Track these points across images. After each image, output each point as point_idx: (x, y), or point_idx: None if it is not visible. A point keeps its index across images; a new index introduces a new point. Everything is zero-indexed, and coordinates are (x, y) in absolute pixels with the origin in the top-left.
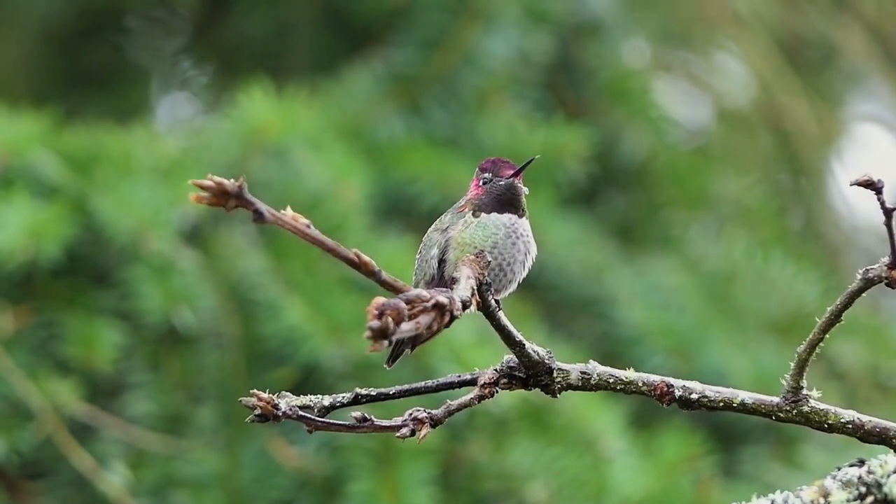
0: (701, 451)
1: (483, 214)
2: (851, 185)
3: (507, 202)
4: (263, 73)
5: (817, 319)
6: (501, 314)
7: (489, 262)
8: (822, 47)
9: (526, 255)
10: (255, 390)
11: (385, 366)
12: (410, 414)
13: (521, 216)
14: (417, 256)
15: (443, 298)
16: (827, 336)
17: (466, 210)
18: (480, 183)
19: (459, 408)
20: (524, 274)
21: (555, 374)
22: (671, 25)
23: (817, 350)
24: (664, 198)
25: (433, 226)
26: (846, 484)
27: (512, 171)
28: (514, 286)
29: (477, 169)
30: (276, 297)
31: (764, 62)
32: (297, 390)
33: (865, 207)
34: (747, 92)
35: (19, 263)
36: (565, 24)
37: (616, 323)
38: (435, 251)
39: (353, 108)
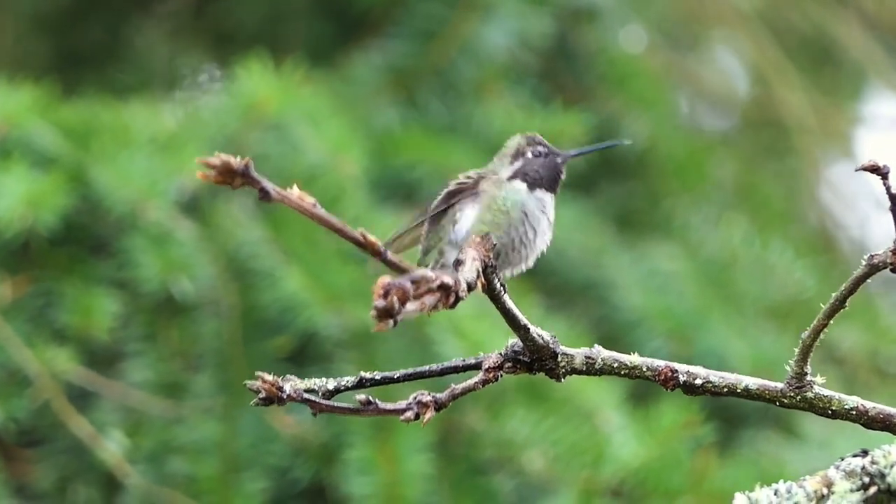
0: (698, 419)
1: (529, 192)
2: (857, 170)
3: (555, 180)
4: (262, 50)
5: (822, 305)
6: (506, 297)
7: (495, 244)
8: (821, 42)
9: (546, 232)
10: (259, 372)
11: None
12: (415, 397)
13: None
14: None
15: (448, 279)
16: (831, 322)
17: (516, 180)
18: (531, 155)
19: (464, 392)
20: (539, 252)
21: (559, 359)
22: (668, 20)
23: (821, 336)
24: (663, 184)
25: (460, 177)
26: (849, 474)
27: (574, 151)
28: (530, 262)
29: (522, 140)
30: (275, 266)
31: (762, 57)
32: (295, 358)
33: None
34: (745, 86)
35: (17, 232)
36: (563, 8)
37: (615, 307)
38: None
39: (350, 98)
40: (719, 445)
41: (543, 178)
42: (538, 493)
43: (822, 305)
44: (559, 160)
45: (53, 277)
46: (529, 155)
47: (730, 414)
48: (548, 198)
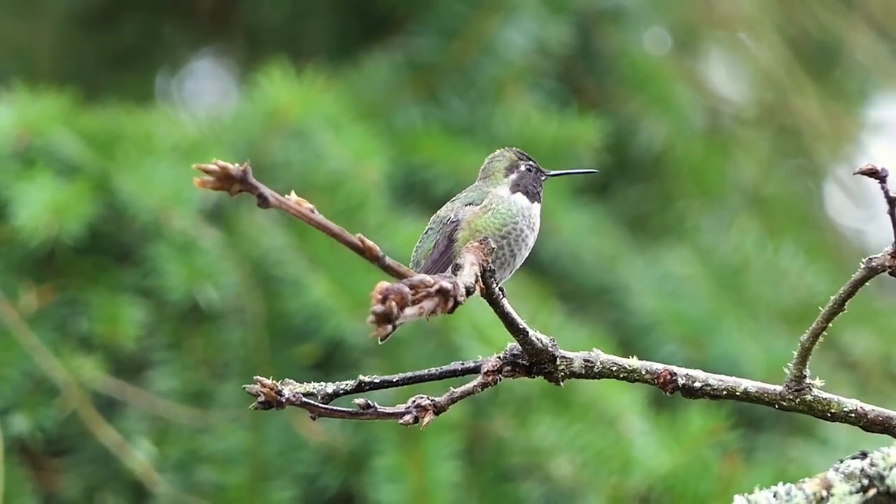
0: (725, 425)
1: (518, 198)
2: (855, 174)
3: (538, 193)
4: (283, 56)
5: (820, 308)
6: (505, 301)
7: (493, 248)
8: (831, 47)
9: (530, 247)
10: (258, 377)
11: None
12: (413, 401)
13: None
14: (422, 235)
15: (446, 284)
16: (830, 325)
17: (505, 188)
18: (525, 169)
19: (463, 395)
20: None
21: (558, 362)
22: (681, 26)
23: (821, 339)
24: (679, 188)
25: (445, 206)
26: (849, 476)
27: (553, 172)
28: (514, 271)
29: (513, 155)
30: (300, 273)
31: (774, 61)
32: (322, 366)
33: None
34: (757, 91)
35: (42, 241)
36: (585, 12)
37: (629, 311)
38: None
39: (371, 95)
40: (745, 451)
41: (538, 193)
42: (566, 499)
43: (821, 308)
44: (543, 178)
45: (79, 286)
46: (523, 168)
47: (753, 417)
48: (535, 208)
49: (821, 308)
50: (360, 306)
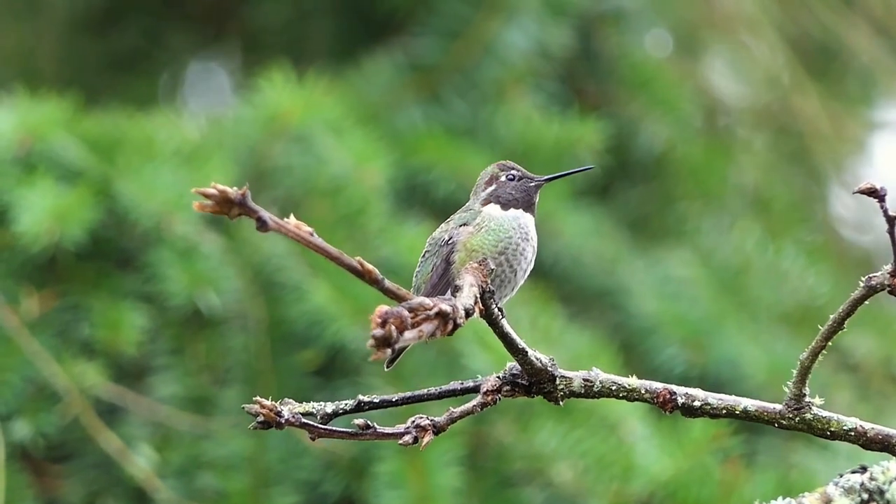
0: (727, 431)
1: (504, 212)
2: (854, 192)
3: (530, 203)
4: (284, 60)
5: (820, 327)
6: (504, 322)
7: (492, 269)
8: (832, 47)
9: (531, 260)
10: (257, 397)
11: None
12: (413, 421)
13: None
14: (420, 259)
15: (446, 306)
16: (829, 344)
17: (489, 204)
18: (505, 178)
19: (462, 415)
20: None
21: (557, 382)
22: (682, 27)
23: (820, 357)
24: (680, 189)
25: (440, 228)
26: (848, 490)
27: (546, 177)
28: (517, 289)
29: (495, 168)
30: (301, 279)
31: (775, 62)
32: (323, 372)
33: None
34: (759, 92)
35: (44, 247)
36: (586, 14)
37: (630, 314)
38: (443, 253)
39: (373, 96)
40: (746, 457)
41: (518, 200)
42: None
43: (820, 327)
44: (532, 184)
45: (80, 292)
46: (503, 179)
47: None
48: (527, 219)
49: (819, 327)
50: (361, 313)
